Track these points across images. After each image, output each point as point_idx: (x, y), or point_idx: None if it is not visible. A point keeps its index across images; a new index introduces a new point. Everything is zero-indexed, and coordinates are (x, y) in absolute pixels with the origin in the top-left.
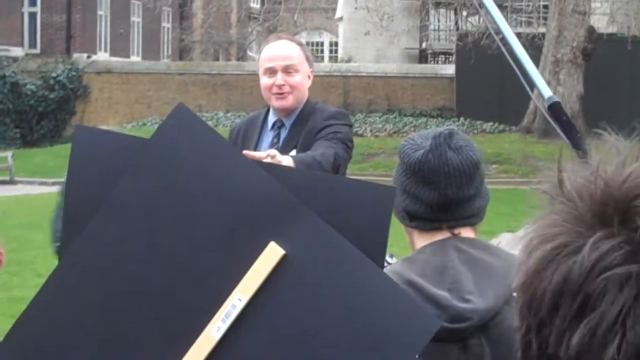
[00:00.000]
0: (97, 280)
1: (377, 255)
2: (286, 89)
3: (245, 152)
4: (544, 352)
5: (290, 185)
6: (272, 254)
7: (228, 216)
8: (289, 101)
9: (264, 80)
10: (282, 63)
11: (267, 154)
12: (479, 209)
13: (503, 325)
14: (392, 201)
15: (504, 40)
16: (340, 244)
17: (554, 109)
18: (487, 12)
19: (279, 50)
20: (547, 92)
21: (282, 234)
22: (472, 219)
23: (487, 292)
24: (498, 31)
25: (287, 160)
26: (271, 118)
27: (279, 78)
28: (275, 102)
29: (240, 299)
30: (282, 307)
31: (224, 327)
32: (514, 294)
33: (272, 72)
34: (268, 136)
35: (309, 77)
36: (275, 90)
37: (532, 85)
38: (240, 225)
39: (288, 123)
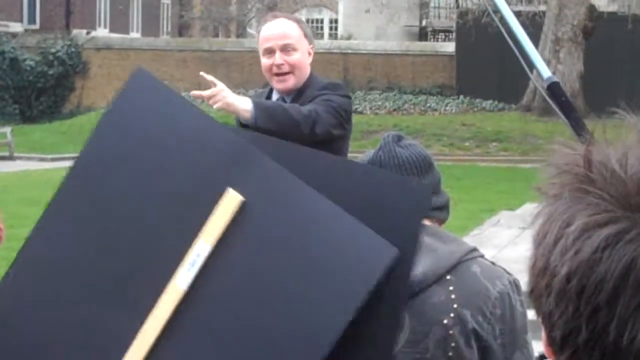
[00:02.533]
0: (68, 241)
1: (408, 252)
2: (285, 68)
3: (192, 92)
4: (598, 339)
5: (325, 174)
6: (231, 200)
7: (186, 168)
8: (289, 83)
9: (264, 61)
10: (280, 42)
11: (211, 91)
12: (437, 204)
13: (428, 302)
14: (429, 200)
15: (502, 19)
16: (295, 184)
17: (553, 89)
18: None
19: (275, 29)
20: (546, 72)
21: (240, 180)
22: (429, 212)
23: (416, 268)
24: (497, 9)
25: (241, 101)
26: (274, 97)
27: (277, 57)
28: (276, 85)
29: (203, 247)
30: (245, 251)
31: (190, 276)
32: (448, 276)
33: (270, 52)
34: None
35: (309, 53)
36: (275, 70)
37: (531, 65)
38: (198, 175)
39: (289, 99)
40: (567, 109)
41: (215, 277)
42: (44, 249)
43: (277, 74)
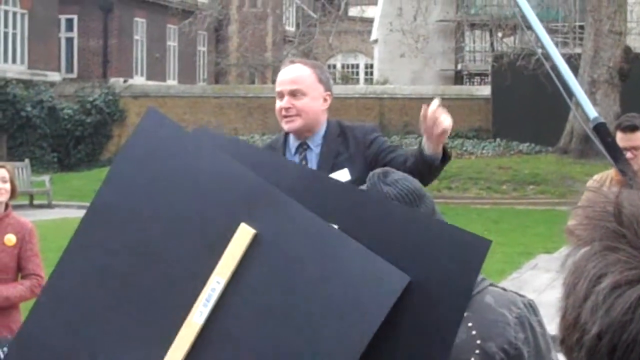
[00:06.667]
0: (87, 280)
1: (457, 305)
2: (292, 112)
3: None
4: None
5: (385, 221)
6: (244, 234)
7: (201, 206)
8: (295, 124)
9: (277, 104)
10: (289, 87)
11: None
12: None
13: None
14: (485, 254)
15: (548, 57)
16: (307, 217)
17: (599, 129)
18: (534, 31)
19: (286, 75)
20: (592, 112)
21: (253, 216)
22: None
23: None
24: (541, 47)
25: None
26: (293, 142)
27: (285, 101)
28: (284, 126)
29: (218, 282)
30: (259, 284)
31: (206, 312)
32: (465, 313)
33: (280, 95)
34: (293, 160)
35: (325, 99)
36: (283, 113)
37: (574, 99)
38: (212, 212)
39: (314, 144)
40: (613, 150)
41: (229, 311)
42: (66, 287)
43: (285, 116)
